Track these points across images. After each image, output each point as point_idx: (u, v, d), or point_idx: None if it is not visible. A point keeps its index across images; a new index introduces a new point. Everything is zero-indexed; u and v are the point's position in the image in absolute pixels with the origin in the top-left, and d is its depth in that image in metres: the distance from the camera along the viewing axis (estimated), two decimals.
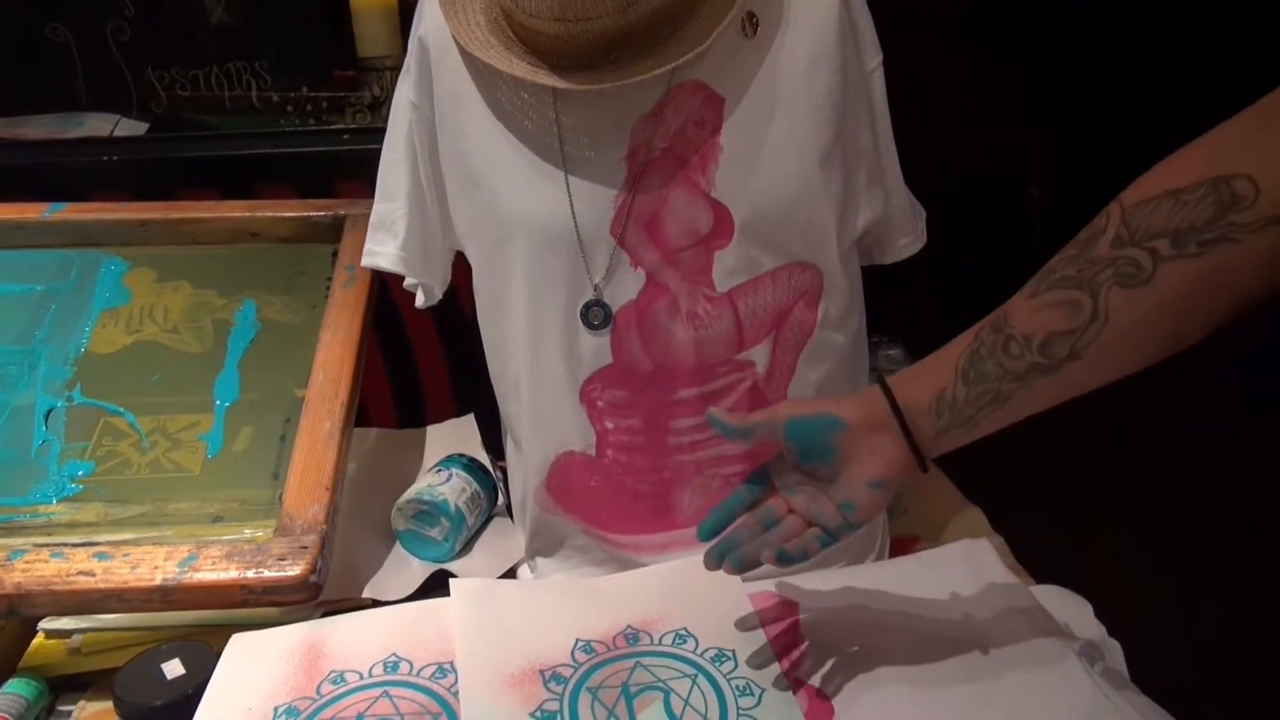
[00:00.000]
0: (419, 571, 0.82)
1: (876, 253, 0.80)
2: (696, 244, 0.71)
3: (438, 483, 0.85)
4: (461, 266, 0.82)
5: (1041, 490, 1.13)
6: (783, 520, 0.62)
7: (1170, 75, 1.46)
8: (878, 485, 0.59)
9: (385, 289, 0.99)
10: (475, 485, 0.86)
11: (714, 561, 0.61)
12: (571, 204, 0.70)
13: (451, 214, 0.77)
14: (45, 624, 0.75)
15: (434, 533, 0.83)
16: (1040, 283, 0.55)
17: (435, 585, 0.79)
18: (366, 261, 0.80)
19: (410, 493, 0.85)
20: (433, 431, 1.02)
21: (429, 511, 0.83)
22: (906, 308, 0.94)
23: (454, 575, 0.79)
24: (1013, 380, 0.56)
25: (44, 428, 0.83)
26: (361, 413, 0.90)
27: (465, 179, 0.74)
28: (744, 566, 0.61)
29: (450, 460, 0.89)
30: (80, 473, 0.80)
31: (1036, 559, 0.82)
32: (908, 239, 0.79)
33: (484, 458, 0.92)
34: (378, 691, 0.64)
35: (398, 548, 0.85)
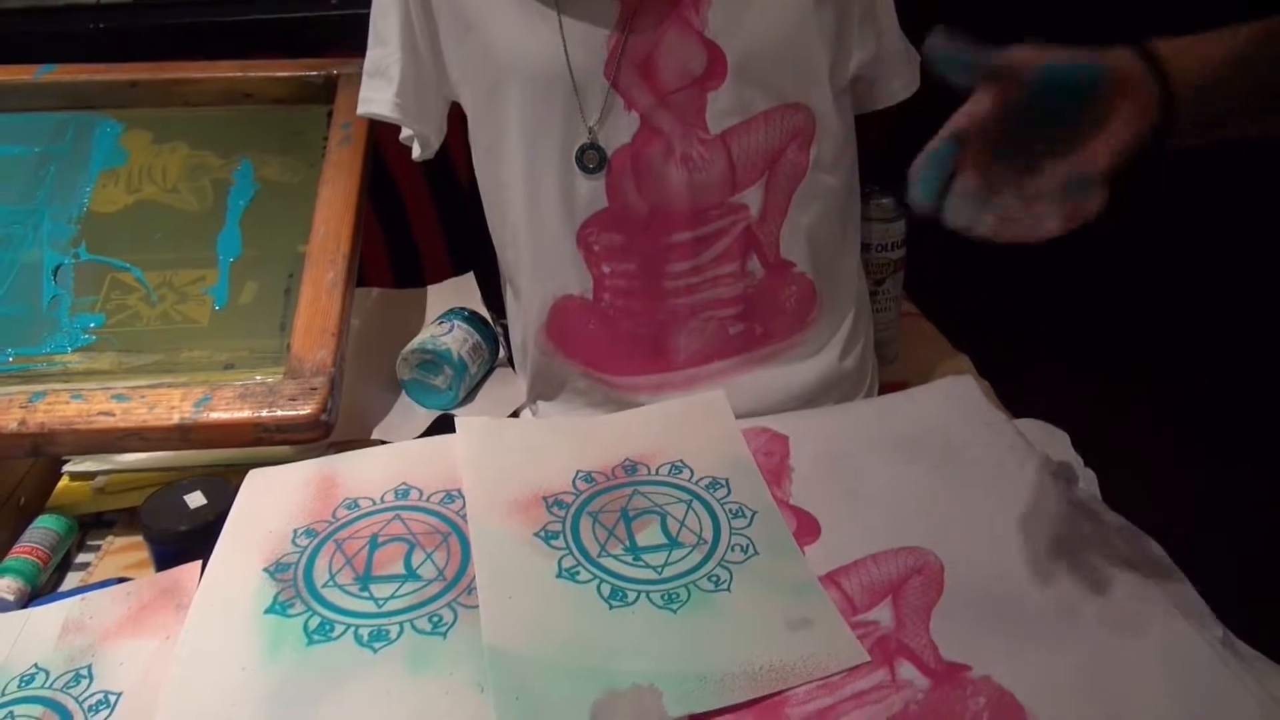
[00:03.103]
0: (425, 417, 0.85)
1: (869, 98, 0.80)
2: (690, 85, 0.71)
3: (441, 333, 0.87)
4: (455, 127, 0.83)
5: (1032, 347, 1.15)
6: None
7: None
8: (1121, 155, 0.50)
9: (379, 153, 1.00)
10: (477, 336, 0.89)
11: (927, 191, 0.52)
12: (565, 46, 0.71)
13: (445, 59, 0.77)
14: (70, 467, 0.79)
15: (438, 381, 0.86)
16: None
17: (441, 429, 0.82)
18: (362, 109, 0.80)
19: (414, 343, 0.87)
20: (434, 290, 1.04)
21: (433, 360, 0.86)
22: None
23: None
24: None
25: (53, 283, 0.85)
26: (361, 280, 0.92)
27: (458, 22, 0.74)
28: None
29: (452, 313, 0.91)
30: (92, 324, 0.82)
31: (1021, 405, 0.85)
32: (902, 82, 0.79)
33: (485, 313, 0.94)
34: (390, 515, 0.68)
35: (404, 396, 0.88)
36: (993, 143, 0.52)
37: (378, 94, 0.79)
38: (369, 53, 0.79)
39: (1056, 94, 0.50)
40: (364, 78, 0.80)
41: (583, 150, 0.73)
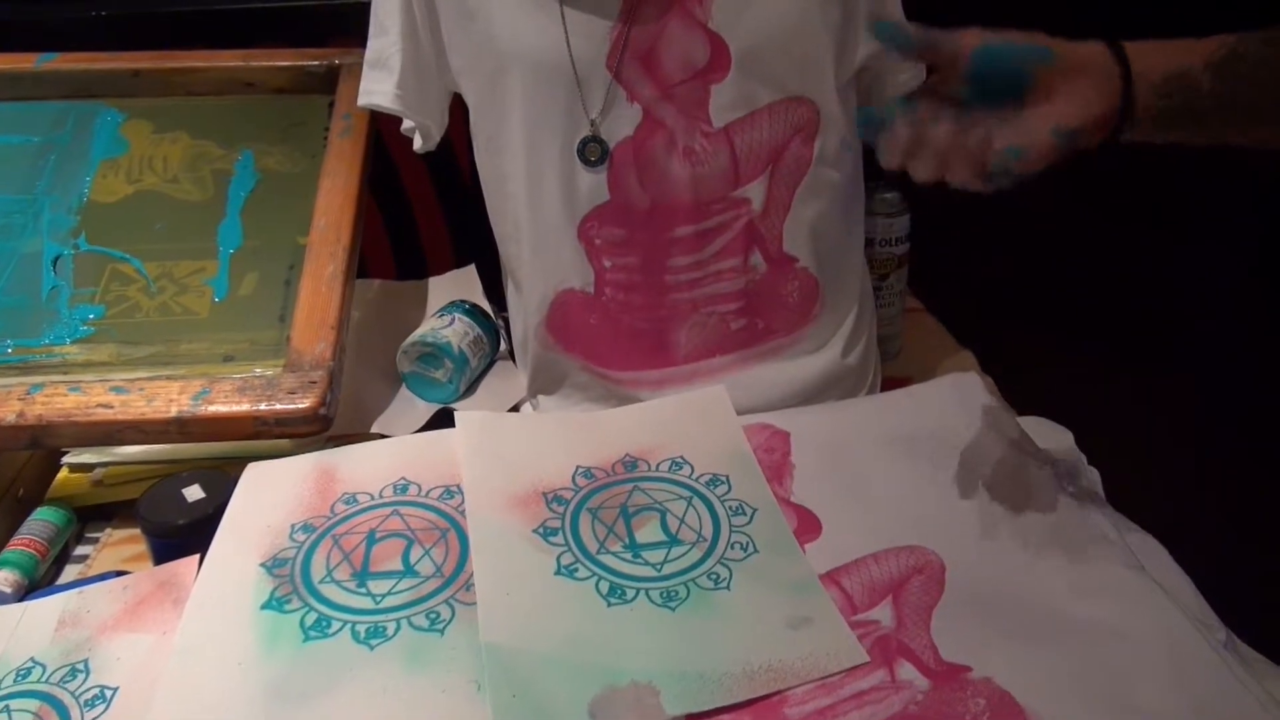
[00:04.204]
0: (425, 411, 0.85)
1: (876, 90, 0.79)
2: (693, 78, 0.71)
3: (441, 326, 0.87)
4: (457, 118, 0.82)
5: (1036, 342, 1.15)
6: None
7: None
8: (1064, 133, 0.54)
9: (382, 144, 0.99)
10: (478, 329, 0.89)
11: (867, 129, 0.57)
12: (567, 37, 0.70)
13: (446, 49, 0.76)
14: (69, 458, 0.79)
15: (438, 374, 0.86)
16: None
17: (440, 423, 0.82)
18: (363, 101, 0.80)
19: (414, 336, 0.87)
20: (435, 282, 1.03)
21: (433, 353, 0.85)
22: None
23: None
24: (1266, 97, 0.53)
25: (52, 274, 0.85)
26: (364, 271, 0.91)
27: (460, 11, 0.73)
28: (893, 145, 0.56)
29: (453, 306, 0.90)
30: (91, 316, 0.82)
31: (1025, 402, 0.84)
32: (908, 74, 0.78)
33: (486, 306, 0.94)
34: (388, 510, 0.67)
35: (404, 390, 0.88)
36: (939, 108, 0.56)
37: (378, 85, 0.78)
38: (370, 43, 0.79)
39: (998, 70, 0.55)
40: (364, 69, 0.79)
41: (584, 143, 0.72)
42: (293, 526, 0.66)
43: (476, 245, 0.94)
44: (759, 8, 0.69)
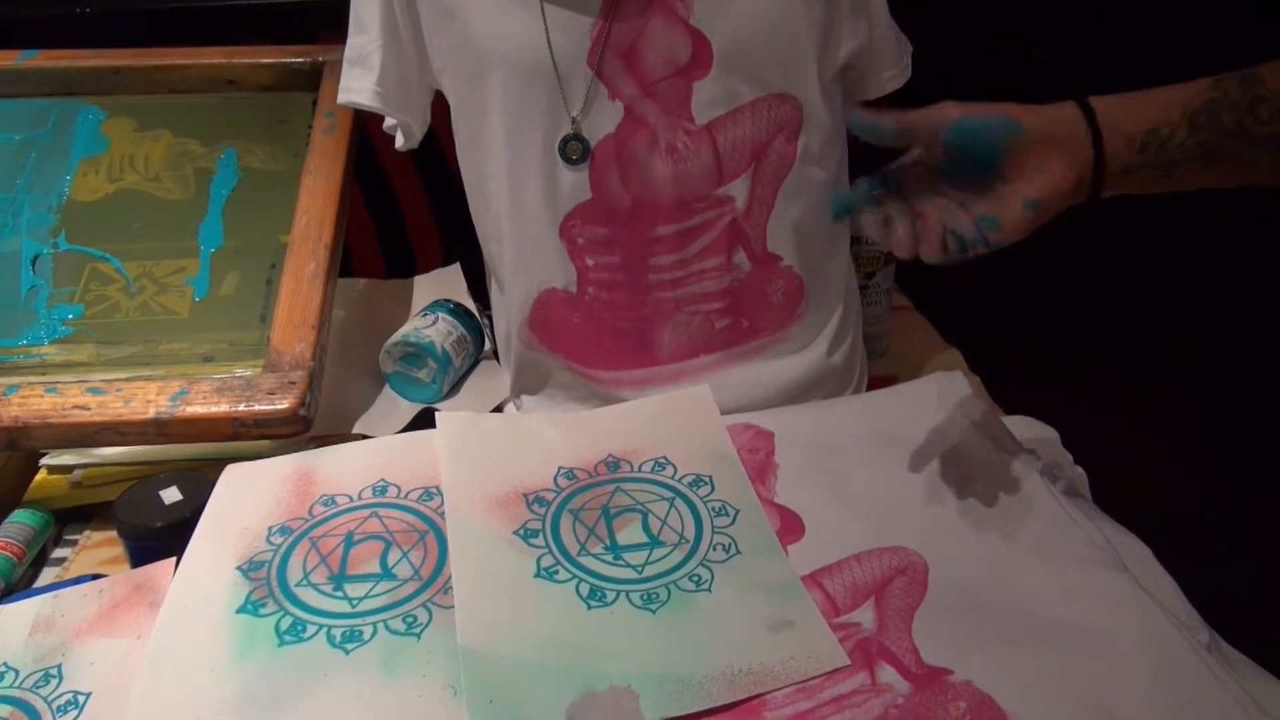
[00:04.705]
0: (407, 411, 0.84)
1: (860, 88, 0.79)
2: (675, 75, 0.70)
3: (424, 326, 0.86)
4: (444, 114, 0.81)
5: (1023, 341, 1.14)
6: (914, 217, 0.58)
7: None
8: (1033, 205, 0.55)
9: (369, 143, 0.98)
10: (461, 329, 0.88)
11: (839, 209, 0.60)
12: (547, 33, 0.69)
13: (427, 47, 0.76)
14: (47, 460, 0.78)
15: (421, 374, 0.85)
16: None
17: (423, 423, 0.81)
18: (342, 99, 0.79)
19: (397, 335, 0.86)
20: (420, 281, 1.03)
21: (416, 353, 0.85)
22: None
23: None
24: (1244, 144, 0.53)
25: (31, 273, 0.84)
26: (351, 269, 0.90)
27: (440, 8, 0.72)
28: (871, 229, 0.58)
29: (436, 305, 0.90)
30: (70, 316, 0.81)
31: (1012, 402, 0.84)
32: (892, 72, 0.78)
33: (470, 305, 0.93)
34: (367, 513, 0.66)
35: (387, 390, 0.87)
36: (917, 187, 0.58)
37: (358, 83, 0.77)
38: (349, 40, 0.78)
39: (970, 146, 0.56)
40: (345, 66, 0.78)
41: (566, 141, 0.72)
42: (270, 529, 0.65)
43: (464, 244, 0.93)
44: (741, 4, 0.69)
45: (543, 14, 0.69)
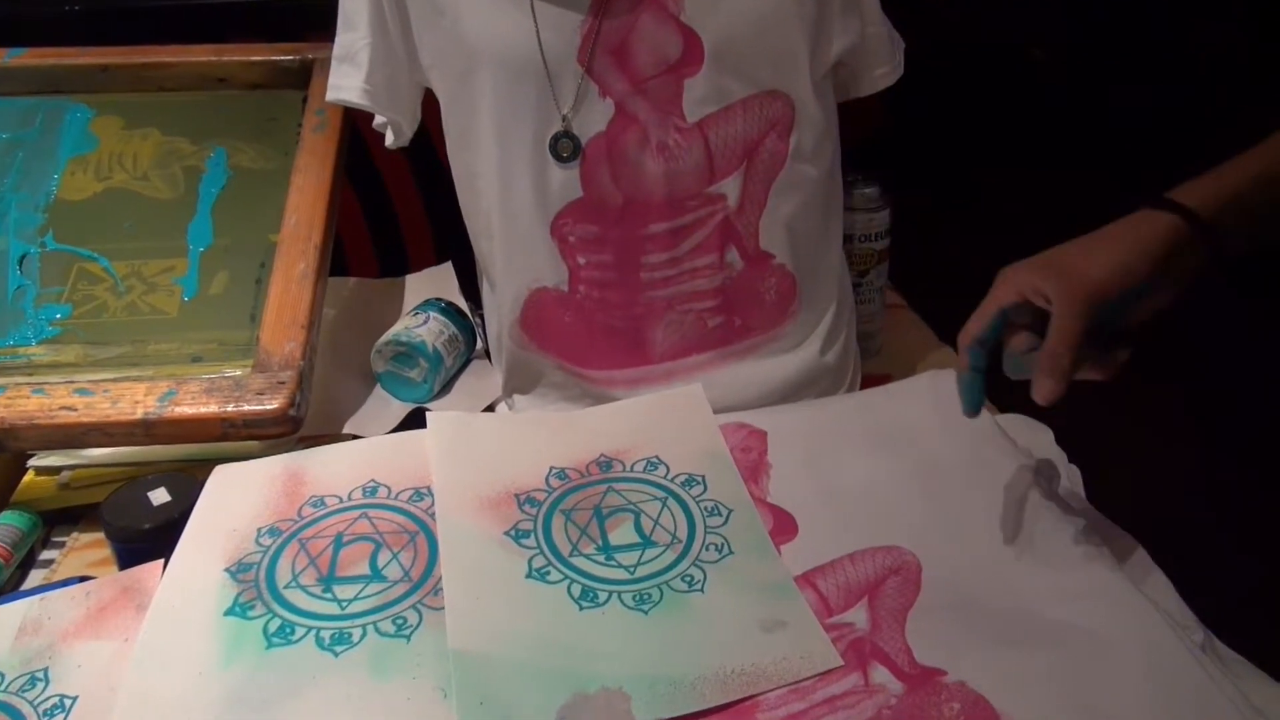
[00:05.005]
0: (399, 411, 0.84)
1: (852, 85, 0.79)
2: (666, 72, 0.70)
3: (415, 325, 0.86)
4: (436, 111, 0.81)
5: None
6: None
7: None
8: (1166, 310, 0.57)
9: (362, 140, 0.98)
10: (453, 328, 0.87)
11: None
12: (537, 30, 0.69)
13: (416, 44, 0.75)
14: (35, 461, 0.77)
15: (413, 374, 0.85)
16: None
17: (414, 423, 0.81)
18: (331, 96, 0.78)
19: (388, 335, 0.86)
20: (411, 280, 1.02)
21: (407, 353, 0.84)
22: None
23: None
24: None
25: (18, 273, 0.83)
26: (344, 268, 0.89)
27: (429, 5, 0.72)
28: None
29: (428, 304, 0.89)
30: (58, 316, 0.81)
31: (1006, 400, 0.83)
32: (885, 69, 0.77)
33: (462, 303, 0.93)
34: (357, 513, 0.66)
35: (378, 389, 0.87)
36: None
37: (346, 80, 0.77)
38: (338, 37, 0.77)
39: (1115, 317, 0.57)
40: (333, 63, 0.78)
41: (556, 138, 0.71)
42: (259, 530, 0.65)
43: (456, 242, 0.93)
44: (732, 0, 0.68)
45: (533, 11, 0.68)
